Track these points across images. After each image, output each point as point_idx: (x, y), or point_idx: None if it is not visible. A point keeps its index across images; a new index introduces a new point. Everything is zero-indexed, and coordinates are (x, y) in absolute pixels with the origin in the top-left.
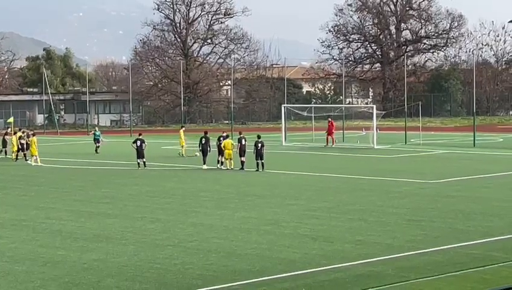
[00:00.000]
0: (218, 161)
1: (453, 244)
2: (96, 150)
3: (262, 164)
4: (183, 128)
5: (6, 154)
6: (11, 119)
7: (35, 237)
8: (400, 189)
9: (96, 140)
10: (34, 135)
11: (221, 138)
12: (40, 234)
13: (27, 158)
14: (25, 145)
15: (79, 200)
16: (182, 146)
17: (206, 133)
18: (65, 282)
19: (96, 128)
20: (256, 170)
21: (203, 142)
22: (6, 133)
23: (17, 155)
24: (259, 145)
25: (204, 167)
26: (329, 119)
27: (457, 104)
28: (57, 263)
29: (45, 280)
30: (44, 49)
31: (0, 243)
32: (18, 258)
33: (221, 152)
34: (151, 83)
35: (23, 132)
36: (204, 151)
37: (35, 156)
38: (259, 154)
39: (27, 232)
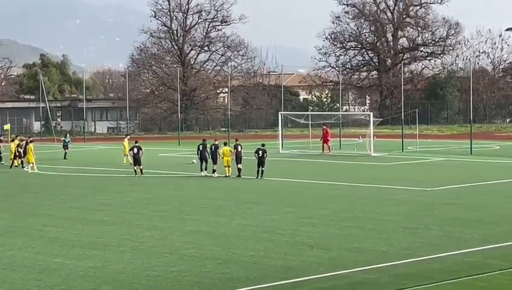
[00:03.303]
0: (214, 170)
1: (450, 252)
2: (64, 156)
3: (262, 171)
4: (128, 137)
5: (1, 160)
6: (7, 126)
7: (31, 245)
8: (397, 196)
9: (65, 146)
10: (31, 142)
11: (213, 146)
12: (36, 241)
13: (24, 165)
14: (22, 153)
15: (76, 208)
16: (126, 155)
17: (204, 140)
18: (62, 289)
19: (67, 135)
20: (256, 177)
21: (201, 149)
22: (0, 141)
23: (12, 162)
24: (261, 152)
25: (202, 173)
26: (324, 127)
27: (454, 111)
28: (54, 271)
29: (42, 288)
30: (40, 56)
31: None
32: (14, 266)
33: (214, 160)
34: (148, 90)
35: (21, 140)
36: (202, 159)
37: (32, 163)
38: (260, 162)
39: (23, 240)
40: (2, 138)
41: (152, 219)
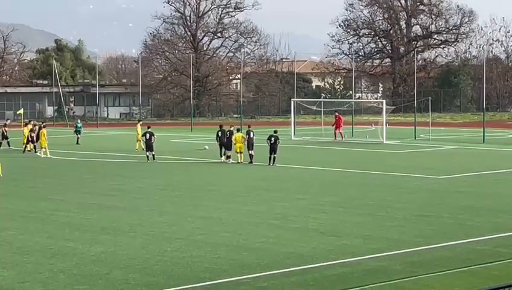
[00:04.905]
0: (227, 157)
1: (461, 240)
2: (77, 141)
3: (274, 158)
4: (141, 123)
5: (9, 145)
6: (21, 111)
7: (44, 229)
8: (409, 184)
9: (78, 131)
10: (44, 127)
11: (228, 132)
12: (48, 225)
13: (36, 150)
14: (34, 138)
15: (88, 193)
16: (138, 140)
17: (221, 126)
18: (74, 274)
19: (79, 120)
20: (269, 164)
21: (220, 135)
22: (5, 125)
23: (25, 147)
24: (273, 139)
25: (223, 158)
26: (337, 114)
27: (467, 99)
28: (66, 255)
29: (54, 272)
30: (55, 41)
31: (9, 235)
32: (27, 250)
33: (229, 147)
34: (161, 76)
35: (34, 124)
36: (222, 144)
37: (45, 148)
38: (272, 149)
39: (36, 224)
40: (8, 122)
41: (163, 205)
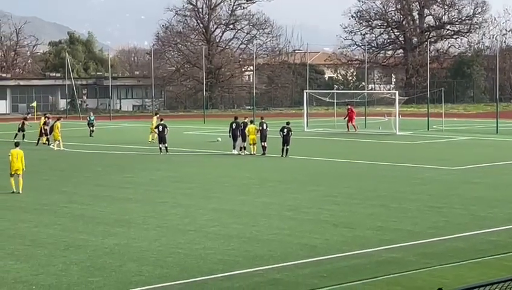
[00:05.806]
0: (242, 148)
1: (474, 231)
2: (90, 134)
3: (287, 149)
4: (158, 115)
5: (23, 138)
6: (34, 104)
7: (57, 221)
8: (422, 175)
9: (91, 124)
10: (58, 119)
11: (242, 124)
12: (62, 218)
13: (50, 143)
14: (48, 130)
15: (101, 185)
16: (152, 132)
17: (236, 118)
18: (87, 266)
19: (91, 113)
20: (281, 156)
21: (234, 127)
22: (25, 119)
23: (38, 140)
24: (286, 130)
25: (235, 151)
26: (349, 107)
27: (480, 90)
28: (79, 247)
29: (67, 264)
30: (68, 34)
31: (23, 227)
32: (40, 242)
33: (243, 138)
34: (173, 68)
35: (47, 117)
36: (234, 137)
37: (58, 140)
38: (285, 141)
39: (49, 217)
40: (28, 116)
41: (176, 197)
